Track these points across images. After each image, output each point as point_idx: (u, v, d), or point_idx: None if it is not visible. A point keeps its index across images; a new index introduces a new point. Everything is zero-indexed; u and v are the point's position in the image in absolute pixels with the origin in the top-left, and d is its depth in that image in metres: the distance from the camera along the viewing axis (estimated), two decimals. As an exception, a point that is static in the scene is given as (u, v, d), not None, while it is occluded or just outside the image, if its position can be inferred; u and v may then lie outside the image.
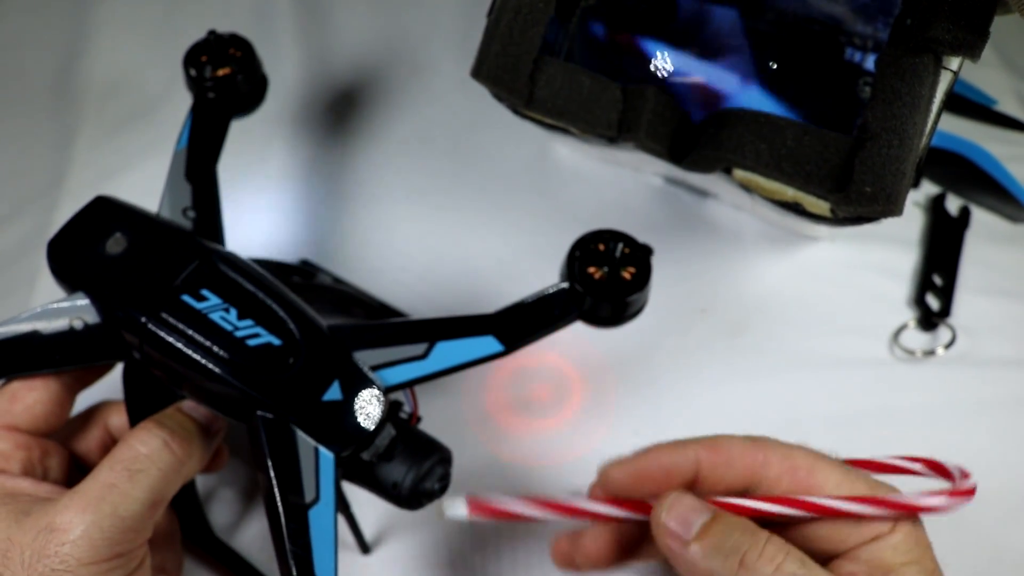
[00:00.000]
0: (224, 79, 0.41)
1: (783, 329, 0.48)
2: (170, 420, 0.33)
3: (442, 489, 0.34)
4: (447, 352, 0.34)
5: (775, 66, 0.45)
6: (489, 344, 0.35)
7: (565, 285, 0.35)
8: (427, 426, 0.35)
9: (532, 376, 0.46)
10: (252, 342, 0.32)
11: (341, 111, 0.55)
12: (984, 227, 0.50)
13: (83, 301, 0.33)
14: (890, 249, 0.50)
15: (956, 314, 0.47)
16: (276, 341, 0.32)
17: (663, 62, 0.45)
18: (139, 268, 0.33)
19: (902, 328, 0.47)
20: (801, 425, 0.43)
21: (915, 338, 0.47)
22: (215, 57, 0.42)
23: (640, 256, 0.36)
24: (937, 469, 0.32)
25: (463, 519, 0.29)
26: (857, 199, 0.33)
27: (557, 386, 0.47)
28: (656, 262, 0.50)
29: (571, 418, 0.46)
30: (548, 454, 0.44)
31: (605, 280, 0.35)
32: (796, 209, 0.38)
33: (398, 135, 0.54)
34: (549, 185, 0.52)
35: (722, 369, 0.47)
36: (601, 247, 0.36)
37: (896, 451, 0.43)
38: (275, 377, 0.32)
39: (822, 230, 0.47)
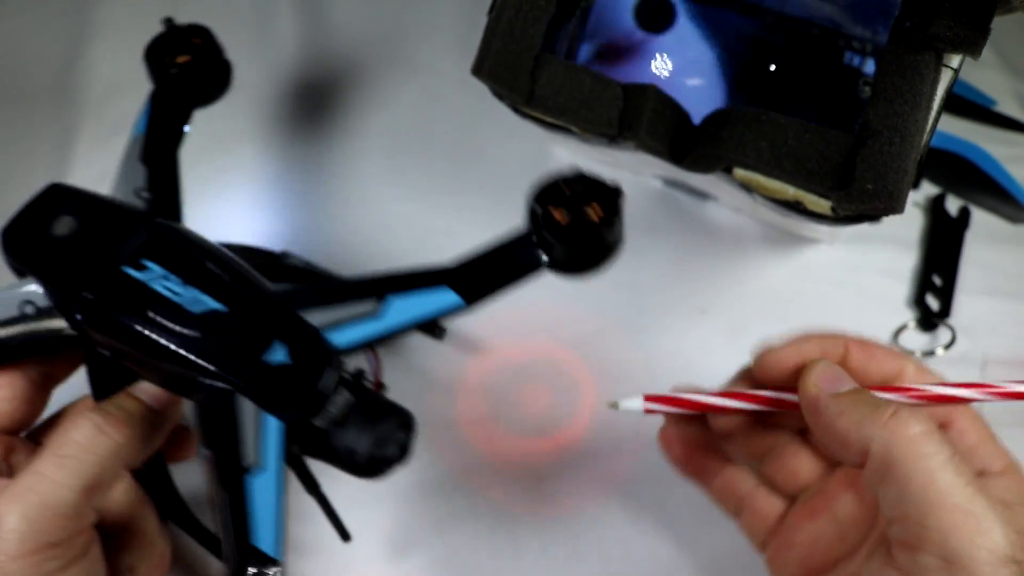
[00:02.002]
0: (184, 66, 0.41)
1: (783, 329, 0.48)
2: (111, 404, 0.32)
3: (402, 454, 0.32)
4: (402, 307, 0.33)
5: (774, 68, 0.45)
6: (446, 297, 0.34)
7: (526, 229, 0.34)
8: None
9: (531, 375, 0.46)
10: (195, 308, 0.31)
11: (341, 110, 0.55)
12: (984, 228, 0.50)
13: (33, 286, 0.33)
14: (890, 250, 0.50)
15: (956, 314, 0.47)
16: (221, 307, 0.32)
17: (663, 64, 0.45)
18: (84, 246, 0.33)
19: (902, 328, 0.47)
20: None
21: (915, 338, 0.47)
22: (174, 46, 0.42)
23: (606, 194, 0.34)
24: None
25: (638, 411, 0.32)
26: (859, 197, 0.33)
27: (557, 387, 0.47)
28: (656, 263, 0.50)
29: (577, 430, 0.46)
30: (549, 455, 0.44)
31: (570, 222, 0.33)
32: (797, 208, 0.38)
33: (398, 134, 0.54)
34: (549, 186, 0.52)
35: (722, 370, 0.47)
36: (566, 191, 0.34)
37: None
38: (215, 343, 0.31)
39: (822, 231, 0.47)
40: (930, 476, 0.27)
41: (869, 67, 0.43)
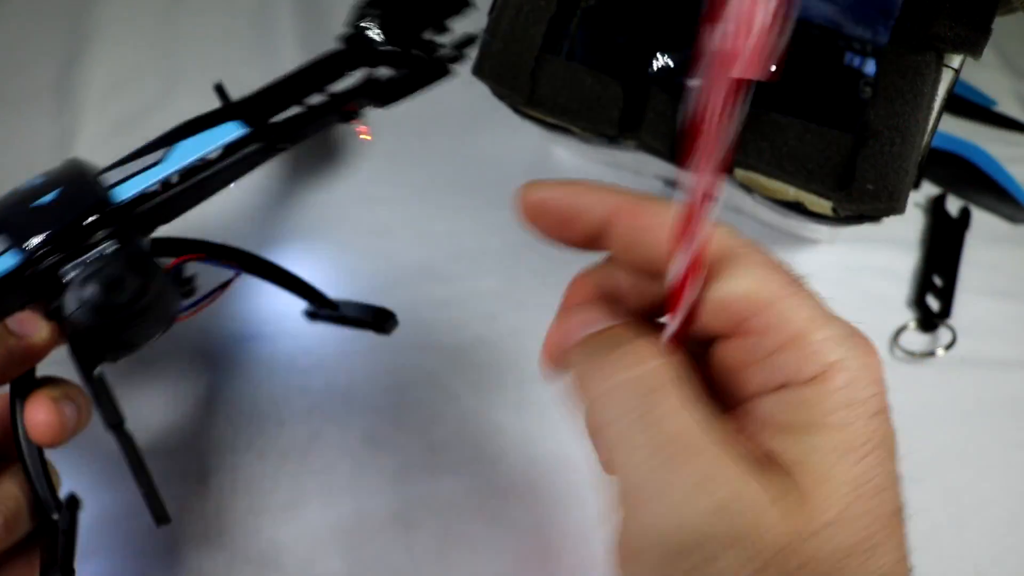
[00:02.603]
0: None
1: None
2: None
3: (136, 299, 0.30)
4: (186, 148, 0.32)
5: (773, 68, 0.45)
6: (230, 127, 0.32)
7: (338, 47, 0.32)
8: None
9: (527, 377, 0.46)
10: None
11: (341, 111, 0.55)
12: (984, 228, 0.50)
13: None
14: (890, 250, 0.50)
15: (956, 315, 0.47)
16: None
17: (663, 63, 0.45)
18: None
19: (902, 329, 0.47)
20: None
21: (915, 339, 0.47)
22: None
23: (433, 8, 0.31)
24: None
25: None
26: (859, 197, 0.33)
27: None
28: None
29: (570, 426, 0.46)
30: (551, 455, 0.44)
31: (382, 21, 0.31)
32: (798, 208, 0.38)
33: (398, 135, 0.54)
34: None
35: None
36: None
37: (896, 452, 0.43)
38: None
39: (822, 232, 0.47)
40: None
41: (869, 68, 0.43)
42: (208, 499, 0.41)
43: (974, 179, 0.50)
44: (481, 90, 0.39)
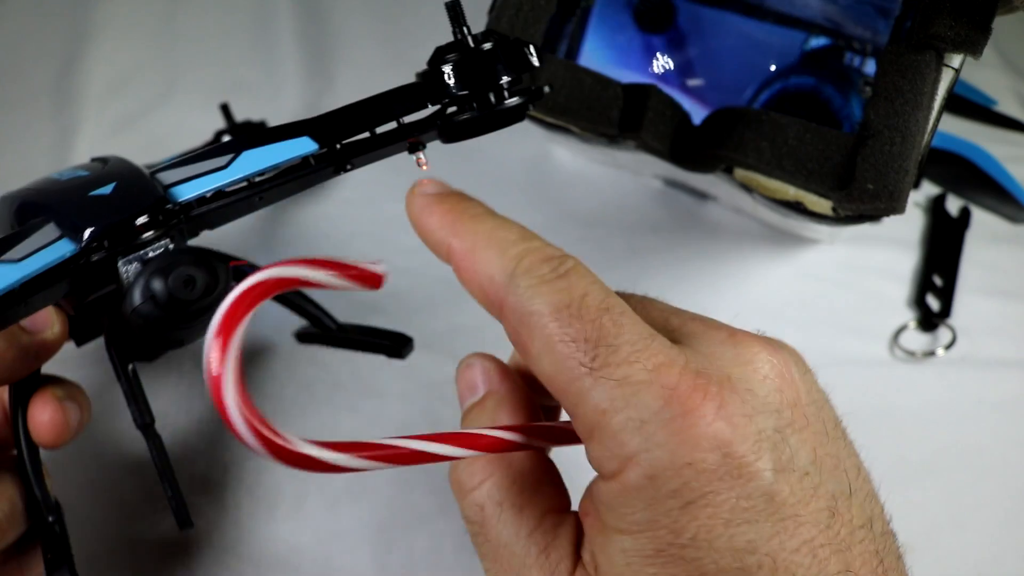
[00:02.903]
0: None
1: (783, 330, 0.47)
2: None
3: (168, 307, 0.29)
4: (252, 158, 0.31)
5: (773, 68, 0.45)
6: (300, 143, 0.31)
7: (412, 80, 0.31)
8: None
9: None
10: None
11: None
12: (984, 228, 0.50)
13: None
14: (890, 250, 0.50)
15: (956, 315, 0.47)
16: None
17: (663, 64, 0.45)
18: None
19: (902, 329, 0.47)
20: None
21: (915, 339, 0.47)
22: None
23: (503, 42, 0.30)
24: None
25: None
26: (859, 196, 0.33)
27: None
28: (656, 262, 0.50)
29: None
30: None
31: (459, 66, 0.29)
32: (797, 208, 0.38)
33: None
34: (549, 187, 0.52)
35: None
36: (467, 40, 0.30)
37: (896, 452, 0.43)
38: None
39: (822, 232, 0.47)
40: None
41: (869, 68, 0.43)
42: (221, 504, 0.41)
43: (974, 179, 0.50)
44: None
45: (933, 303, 0.48)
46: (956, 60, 0.35)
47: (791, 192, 0.37)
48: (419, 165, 0.34)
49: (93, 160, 0.35)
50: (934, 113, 0.34)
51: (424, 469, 0.26)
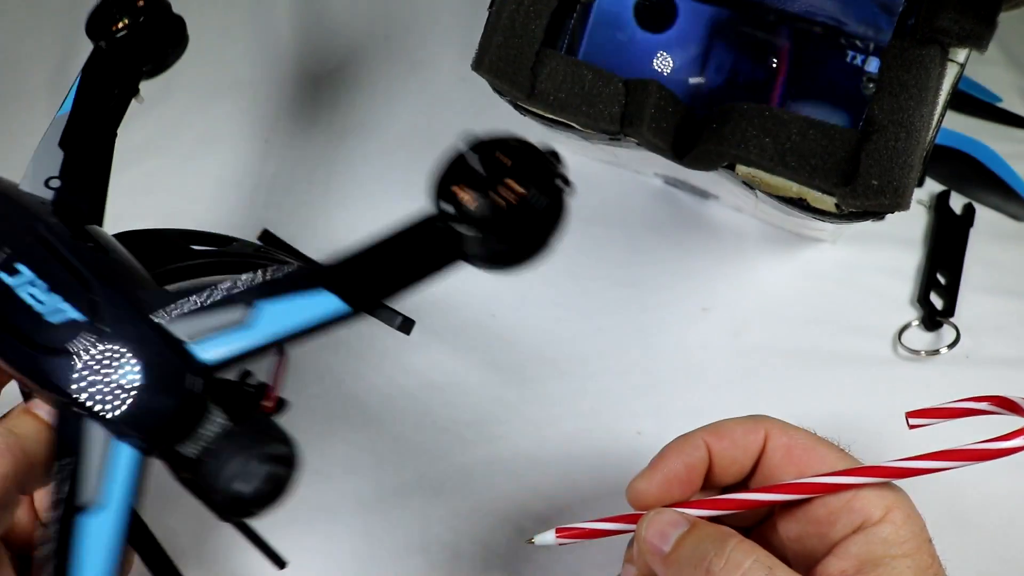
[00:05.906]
0: (121, 30, 0.37)
1: (786, 328, 0.48)
2: (2, 425, 0.29)
3: (270, 490, 0.26)
4: (274, 315, 0.28)
5: (775, 64, 0.44)
6: (326, 302, 0.28)
7: (430, 213, 0.28)
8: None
9: (525, 376, 0.46)
10: (54, 319, 0.28)
11: (339, 107, 0.55)
12: (988, 225, 0.50)
13: None
14: (893, 248, 0.50)
15: (960, 313, 0.47)
16: (81, 318, 0.28)
17: (664, 62, 0.45)
18: None
19: (906, 327, 0.47)
20: (803, 425, 0.42)
21: (919, 337, 0.47)
22: (116, 11, 0.37)
23: (531, 165, 0.27)
24: (1007, 405, 0.29)
25: (552, 544, 0.31)
26: (864, 193, 0.33)
27: (556, 386, 0.46)
28: (657, 260, 0.50)
29: (576, 421, 0.45)
30: (553, 456, 0.44)
31: (478, 206, 0.27)
32: (801, 205, 0.38)
33: (397, 132, 0.54)
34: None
35: (724, 368, 0.47)
36: (478, 169, 0.28)
37: (900, 452, 0.42)
38: (59, 359, 0.28)
39: (825, 230, 0.47)
40: None
41: (872, 66, 0.43)
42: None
43: (979, 176, 0.49)
44: (480, 87, 0.38)
45: (937, 301, 0.48)
46: (961, 55, 0.35)
47: (794, 189, 0.37)
48: None
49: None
50: (939, 109, 0.34)
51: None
